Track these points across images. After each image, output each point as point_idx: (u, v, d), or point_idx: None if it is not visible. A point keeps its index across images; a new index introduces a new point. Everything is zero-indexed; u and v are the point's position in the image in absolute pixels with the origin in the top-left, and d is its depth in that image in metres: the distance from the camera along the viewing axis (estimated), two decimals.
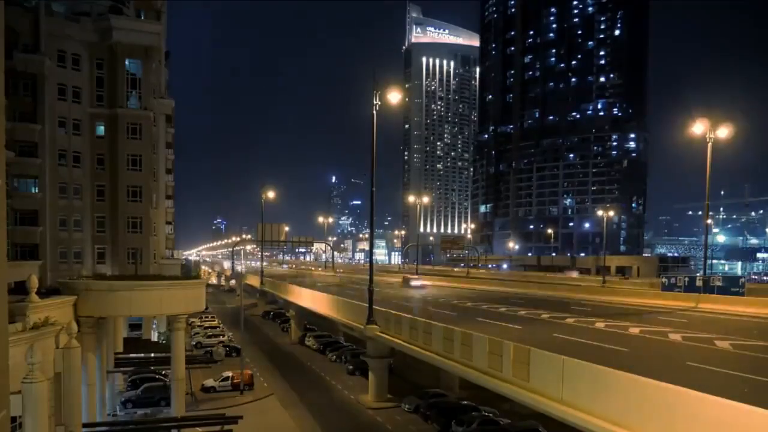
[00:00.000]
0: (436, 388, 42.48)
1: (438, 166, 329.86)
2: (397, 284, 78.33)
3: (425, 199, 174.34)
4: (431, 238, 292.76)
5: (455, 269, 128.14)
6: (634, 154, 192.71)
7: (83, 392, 25.50)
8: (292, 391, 46.02)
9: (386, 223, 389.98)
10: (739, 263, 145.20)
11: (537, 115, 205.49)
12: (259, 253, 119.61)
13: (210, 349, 58.21)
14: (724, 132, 44.78)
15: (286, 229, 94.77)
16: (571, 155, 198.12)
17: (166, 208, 63.92)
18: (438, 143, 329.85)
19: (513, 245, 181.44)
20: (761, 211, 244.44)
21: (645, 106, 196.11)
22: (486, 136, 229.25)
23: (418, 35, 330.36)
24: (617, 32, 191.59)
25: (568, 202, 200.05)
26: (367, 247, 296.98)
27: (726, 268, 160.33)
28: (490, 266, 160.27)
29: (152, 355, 43.79)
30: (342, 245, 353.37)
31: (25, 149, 45.03)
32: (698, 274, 57.63)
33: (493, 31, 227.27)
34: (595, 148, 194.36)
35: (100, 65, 49.87)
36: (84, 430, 23.64)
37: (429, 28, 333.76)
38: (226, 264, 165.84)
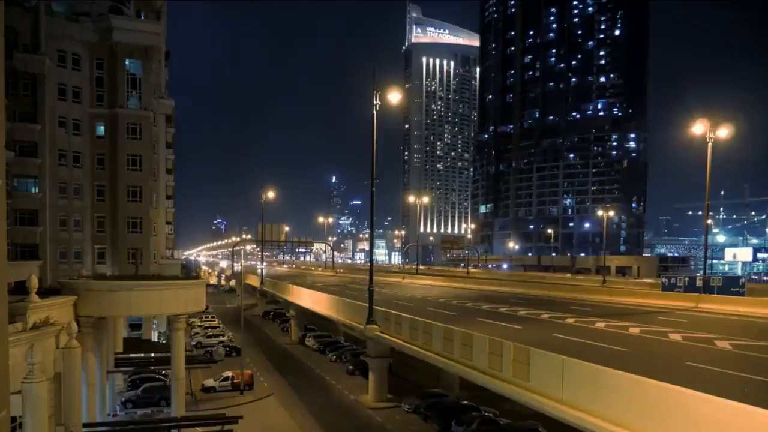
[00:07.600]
0: (436, 388, 42.47)
1: (438, 166, 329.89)
2: (397, 284, 78.00)
3: (425, 199, 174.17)
4: (431, 238, 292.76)
5: (455, 269, 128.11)
6: (634, 154, 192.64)
7: (83, 392, 25.49)
8: (292, 391, 46.05)
9: (386, 223, 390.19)
10: (740, 263, 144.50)
11: (537, 115, 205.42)
12: (259, 253, 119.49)
13: (210, 349, 58.22)
14: (724, 132, 44.71)
15: (286, 229, 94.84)
16: (571, 155, 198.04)
17: (166, 208, 63.91)
18: (438, 143, 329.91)
19: (513, 245, 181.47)
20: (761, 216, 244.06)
21: (645, 106, 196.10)
22: (486, 136, 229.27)
23: (418, 35, 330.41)
24: (617, 32, 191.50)
25: (568, 202, 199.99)
26: (367, 247, 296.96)
27: (726, 268, 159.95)
28: (490, 266, 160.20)
29: (152, 355, 43.83)
30: (342, 245, 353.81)
31: (25, 149, 45.07)
32: (698, 275, 57.54)
33: (493, 31, 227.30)
34: (595, 148, 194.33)
35: (100, 65, 49.88)
36: (84, 430, 23.62)
37: (429, 28, 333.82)
38: (225, 263, 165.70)
